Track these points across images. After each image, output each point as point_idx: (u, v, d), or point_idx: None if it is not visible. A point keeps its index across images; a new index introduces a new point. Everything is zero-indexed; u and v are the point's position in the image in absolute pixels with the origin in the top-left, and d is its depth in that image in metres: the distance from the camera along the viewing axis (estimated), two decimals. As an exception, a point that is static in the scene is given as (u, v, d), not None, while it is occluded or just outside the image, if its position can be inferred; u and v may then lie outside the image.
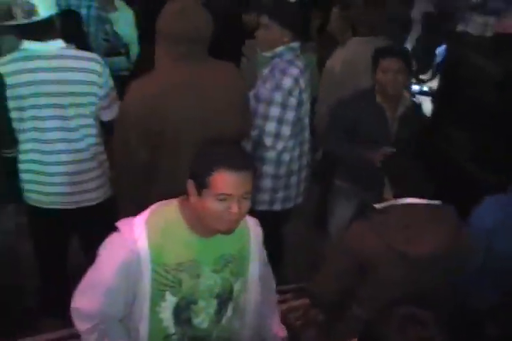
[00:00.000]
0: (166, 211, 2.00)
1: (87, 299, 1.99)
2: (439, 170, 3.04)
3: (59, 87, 2.94)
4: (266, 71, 3.27)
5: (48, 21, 2.94)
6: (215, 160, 1.85)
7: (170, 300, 2.01)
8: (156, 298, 1.99)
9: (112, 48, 4.86)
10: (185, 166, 1.97)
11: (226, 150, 1.90)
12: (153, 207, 2.02)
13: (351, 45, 3.98)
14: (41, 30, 2.93)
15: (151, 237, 1.93)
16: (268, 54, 3.27)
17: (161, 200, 2.05)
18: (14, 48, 3.19)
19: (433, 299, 2.28)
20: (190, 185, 1.91)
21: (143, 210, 2.02)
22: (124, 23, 4.88)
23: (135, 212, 2.04)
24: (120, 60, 4.87)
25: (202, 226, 1.95)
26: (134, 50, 4.95)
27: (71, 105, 2.99)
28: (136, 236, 1.93)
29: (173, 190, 2.08)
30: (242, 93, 2.97)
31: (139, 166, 2.72)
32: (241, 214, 1.91)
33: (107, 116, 3.15)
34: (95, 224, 3.03)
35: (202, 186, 1.86)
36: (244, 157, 1.92)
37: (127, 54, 4.94)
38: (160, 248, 1.95)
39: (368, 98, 3.41)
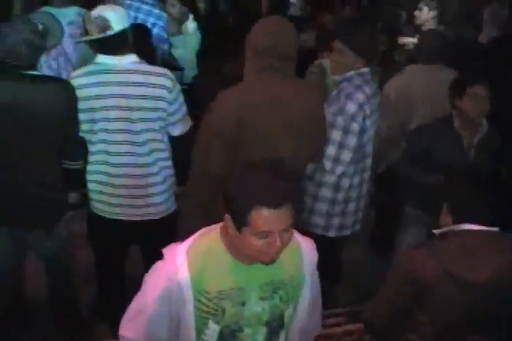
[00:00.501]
0: (208, 238, 1.99)
1: (132, 326, 2.00)
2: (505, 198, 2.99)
3: (129, 101, 3.02)
4: (333, 94, 3.26)
5: (121, 36, 3.03)
6: (254, 197, 1.78)
7: (213, 328, 1.98)
8: (201, 326, 1.98)
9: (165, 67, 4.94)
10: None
11: (264, 184, 1.82)
12: (197, 233, 2.02)
13: (408, 72, 3.97)
14: (115, 45, 3.02)
15: (193, 265, 1.93)
16: (338, 77, 3.25)
17: None
18: (87, 60, 3.32)
19: (494, 326, 2.27)
20: (228, 220, 1.87)
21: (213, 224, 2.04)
22: (184, 47, 4.93)
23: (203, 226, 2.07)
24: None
25: (241, 255, 1.94)
26: (189, 74, 5.02)
27: (140, 119, 3.05)
28: (178, 264, 1.93)
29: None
30: (322, 113, 3.01)
31: (216, 178, 2.74)
32: (283, 246, 1.87)
33: (177, 131, 3.21)
34: (156, 237, 3.10)
35: (241, 224, 1.82)
36: (285, 190, 1.82)
37: (181, 71, 4.96)
38: (201, 276, 1.93)
39: (446, 125, 3.38)
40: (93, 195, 3.22)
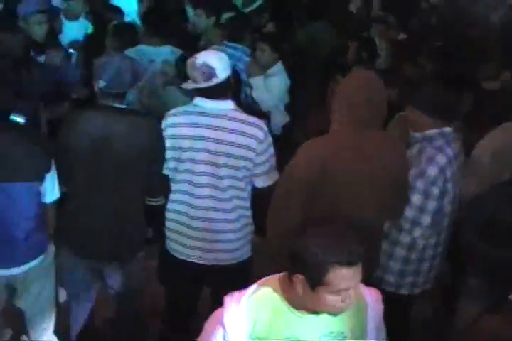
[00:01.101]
0: (267, 288, 2.03)
1: None
2: None
3: (217, 146, 3.05)
4: (413, 152, 3.18)
5: (224, 83, 3.08)
6: (331, 257, 1.84)
7: None
8: None
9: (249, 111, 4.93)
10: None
11: (342, 243, 1.87)
12: (257, 283, 2.06)
13: (501, 131, 3.72)
14: (217, 91, 3.07)
15: (250, 314, 1.96)
16: (418, 135, 3.18)
17: None
18: (179, 100, 3.41)
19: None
20: (300, 280, 1.91)
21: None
22: (265, 90, 4.73)
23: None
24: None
25: (306, 309, 1.97)
26: (277, 117, 4.87)
27: (225, 165, 3.07)
28: (235, 312, 1.97)
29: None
30: (406, 171, 2.99)
31: (295, 225, 2.77)
32: (352, 301, 1.91)
33: (261, 183, 3.19)
34: (227, 283, 3.09)
35: (316, 283, 1.86)
36: (357, 247, 1.88)
37: (267, 118, 4.72)
38: (258, 325, 1.97)
39: (509, 190, 3.25)
40: (169, 234, 3.28)
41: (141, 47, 4.51)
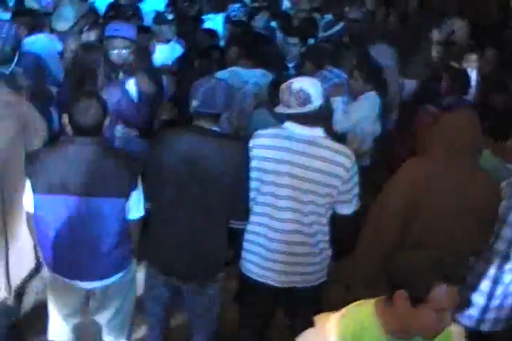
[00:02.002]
0: (361, 311, 2.03)
1: None
2: None
3: (303, 172, 3.07)
4: (503, 184, 3.17)
5: (318, 110, 3.10)
6: (438, 273, 1.87)
7: None
8: None
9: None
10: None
11: (447, 261, 1.90)
12: (351, 305, 2.07)
13: None
14: (309, 117, 3.10)
15: (342, 336, 1.97)
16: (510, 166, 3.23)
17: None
18: (268, 123, 3.45)
19: None
20: (402, 296, 1.92)
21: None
22: (343, 112, 4.80)
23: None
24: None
25: (402, 331, 1.97)
26: (352, 142, 4.78)
27: (309, 191, 3.09)
28: (327, 333, 1.98)
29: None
30: (496, 203, 3.01)
31: (385, 248, 2.86)
32: (448, 323, 1.93)
33: (344, 210, 3.21)
34: (301, 305, 3.19)
35: (419, 300, 1.88)
36: (464, 269, 1.97)
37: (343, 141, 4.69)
38: None
39: None
40: (246, 255, 3.31)
41: (235, 68, 4.60)
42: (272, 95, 3.84)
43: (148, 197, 3.18)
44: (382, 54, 5.87)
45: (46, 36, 5.11)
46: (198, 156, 3.12)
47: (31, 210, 3.09)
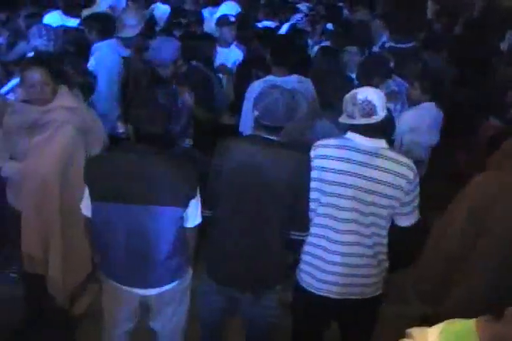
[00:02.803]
0: (461, 328, 2.00)
1: None
2: None
3: (366, 183, 3.04)
4: None
5: (382, 121, 3.07)
6: None
7: None
8: None
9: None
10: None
11: None
12: (446, 322, 2.04)
13: None
14: (373, 129, 3.07)
15: None
16: None
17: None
18: (329, 132, 3.42)
19: None
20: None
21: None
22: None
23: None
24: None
25: None
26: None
27: (371, 203, 3.06)
28: None
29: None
30: None
31: (455, 254, 2.82)
32: None
33: (405, 222, 3.18)
34: (357, 318, 3.15)
35: None
36: None
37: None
38: None
39: None
40: (302, 266, 3.28)
41: (270, 77, 4.57)
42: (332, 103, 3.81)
43: (208, 204, 3.18)
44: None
45: (114, 42, 5.18)
46: (258, 166, 3.11)
47: (89, 215, 3.12)
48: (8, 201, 3.76)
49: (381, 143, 3.10)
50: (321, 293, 3.20)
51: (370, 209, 3.07)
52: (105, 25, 5.32)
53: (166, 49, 4.36)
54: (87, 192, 3.07)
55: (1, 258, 4.68)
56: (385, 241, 3.19)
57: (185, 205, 3.03)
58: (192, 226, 3.13)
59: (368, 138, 3.07)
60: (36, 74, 3.51)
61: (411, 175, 3.06)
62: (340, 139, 3.15)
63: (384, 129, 3.15)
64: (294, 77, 4.58)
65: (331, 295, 3.19)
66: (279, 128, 3.19)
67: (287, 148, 3.20)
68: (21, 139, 3.56)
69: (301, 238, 3.23)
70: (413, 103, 4.85)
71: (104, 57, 5.00)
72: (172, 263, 3.12)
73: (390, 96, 4.70)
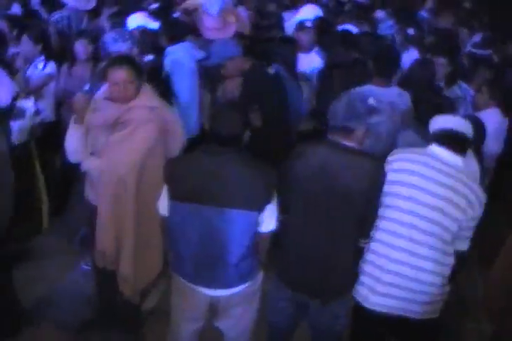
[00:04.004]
0: None
1: None
2: None
3: (434, 200, 3.06)
4: None
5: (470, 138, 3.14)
6: None
7: None
8: None
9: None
10: None
11: None
12: None
13: None
14: (458, 142, 3.13)
15: None
16: None
17: None
18: (414, 145, 3.42)
19: None
20: None
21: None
22: None
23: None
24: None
25: None
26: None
27: (433, 221, 3.07)
28: None
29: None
30: None
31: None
32: None
33: (464, 246, 3.18)
34: (416, 336, 3.15)
35: None
36: None
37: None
38: None
39: None
40: (361, 277, 3.27)
41: (370, 87, 4.52)
42: (423, 115, 3.79)
43: (281, 209, 3.19)
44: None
45: (188, 44, 5.25)
46: (332, 172, 3.11)
47: (166, 214, 3.17)
48: (86, 196, 3.85)
49: (459, 161, 3.12)
50: (375, 307, 3.19)
51: (430, 228, 3.07)
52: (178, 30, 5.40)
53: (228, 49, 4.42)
54: (165, 191, 3.14)
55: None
56: (449, 261, 3.15)
57: (262, 210, 3.06)
58: (266, 231, 3.15)
59: (451, 153, 3.10)
60: (121, 72, 3.57)
61: (473, 197, 3.07)
62: (420, 153, 3.18)
63: (470, 145, 3.19)
64: (394, 89, 4.55)
65: (382, 309, 3.18)
66: (352, 132, 3.17)
67: (362, 155, 3.21)
68: (102, 136, 3.64)
69: (365, 245, 3.24)
70: (478, 109, 4.82)
71: (180, 60, 5.07)
72: (243, 266, 3.16)
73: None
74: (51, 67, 5.29)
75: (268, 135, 4.44)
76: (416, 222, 3.08)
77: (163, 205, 3.18)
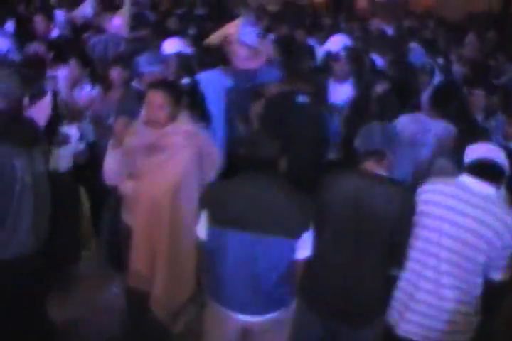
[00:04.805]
0: None
1: None
2: None
3: (457, 232, 3.11)
4: None
5: (497, 169, 3.18)
6: None
7: None
8: None
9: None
10: None
11: None
12: None
13: None
14: (487, 172, 3.16)
15: None
16: None
17: None
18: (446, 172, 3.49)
19: None
20: None
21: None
22: None
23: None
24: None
25: None
26: None
27: (457, 252, 3.11)
28: None
29: None
30: None
31: None
32: None
33: (497, 276, 3.19)
34: None
35: None
36: None
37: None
38: None
39: None
40: (392, 303, 3.31)
41: (420, 116, 4.57)
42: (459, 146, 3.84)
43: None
44: None
45: (218, 72, 5.40)
46: (363, 200, 3.18)
47: (203, 238, 3.23)
48: (122, 217, 3.92)
49: (491, 192, 3.15)
50: (402, 333, 3.23)
51: (460, 255, 3.11)
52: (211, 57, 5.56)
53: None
54: (204, 215, 3.19)
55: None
56: (476, 291, 3.18)
57: (299, 237, 3.10)
58: (301, 257, 3.19)
59: (480, 182, 3.13)
60: (155, 95, 3.61)
61: (500, 228, 3.08)
62: (451, 183, 3.22)
63: (503, 175, 3.20)
64: (442, 122, 4.54)
65: (413, 337, 3.21)
66: (383, 160, 3.24)
67: (393, 184, 3.27)
68: (140, 159, 3.72)
69: (397, 273, 3.28)
70: (509, 139, 4.74)
71: (210, 87, 5.19)
72: (279, 292, 3.20)
73: None
74: (97, 89, 5.39)
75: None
76: (441, 254, 3.13)
77: (202, 229, 3.23)
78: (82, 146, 4.54)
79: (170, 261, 3.70)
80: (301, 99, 4.80)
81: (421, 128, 4.45)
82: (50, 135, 4.24)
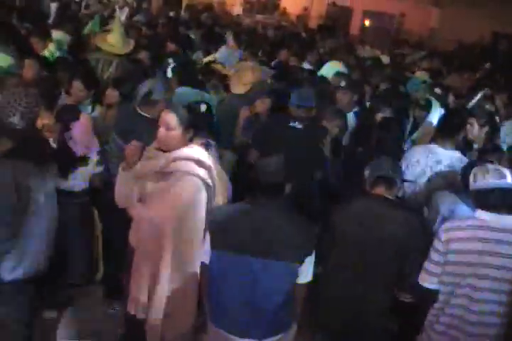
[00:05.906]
0: None
1: None
2: None
3: (500, 260, 3.14)
4: None
5: (498, 193, 3.18)
6: None
7: None
8: None
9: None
10: None
11: None
12: None
13: None
14: (497, 201, 3.19)
15: None
16: None
17: None
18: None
19: None
20: None
21: None
22: None
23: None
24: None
25: None
26: None
27: (502, 280, 3.16)
28: None
29: None
30: None
31: None
32: None
33: None
34: None
35: None
36: None
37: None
38: None
39: None
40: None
41: (433, 146, 4.63)
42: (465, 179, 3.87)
43: (319, 259, 3.28)
44: None
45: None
46: (374, 225, 3.27)
47: (207, 262, 3.25)
48: (130, 240, 3.91)
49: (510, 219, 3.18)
50: None
51: (503, 287, 3.16)
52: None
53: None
54: (208, 240, 3.22)
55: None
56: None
57: (302, 262, 3.14)
58: (303, 282, 3.23)
59: (497, 215, 3.17)
60: (167, 117, 3.54)
61: None
62: (471, 219, 3.24)
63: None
64: (456, 153, 4.58)
65: None
66: (394, 186, 3.33)
67: (404, 210, 3.35)
68: (149, 183, 3.70)
69: (407, 300, 3.33)
70: None
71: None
72: (279, 317, 3.23)
73: None
74: (98, 110, 5.34)
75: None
76: (491, 285, 3.17)
77: (206, 254, 3.25)
78: (99, 169, 4.54)
79: (169, 287, 3.59)
80: (295, 124, 4.87)
81: (432, 158, 4.49)
82: (69, 156, 4.26)
